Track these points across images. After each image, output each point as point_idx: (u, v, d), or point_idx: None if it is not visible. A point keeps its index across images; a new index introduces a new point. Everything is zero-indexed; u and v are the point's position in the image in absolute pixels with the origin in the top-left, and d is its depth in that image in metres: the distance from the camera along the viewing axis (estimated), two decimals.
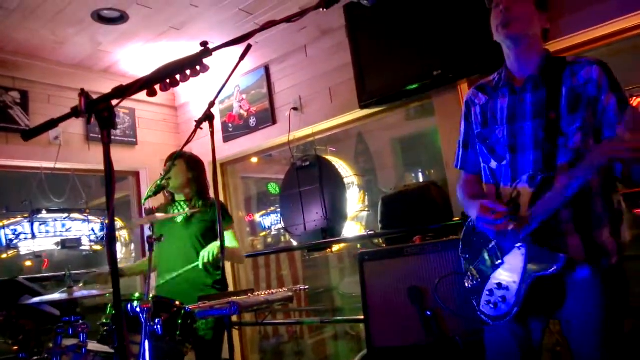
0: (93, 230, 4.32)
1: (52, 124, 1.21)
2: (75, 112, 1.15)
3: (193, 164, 2.94)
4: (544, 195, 1.52)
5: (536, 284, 1.55)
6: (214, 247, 2.62)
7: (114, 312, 2.21)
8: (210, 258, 2.56)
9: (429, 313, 2.41)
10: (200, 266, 2.59)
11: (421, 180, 5.45)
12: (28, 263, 4.82)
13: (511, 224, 1.60)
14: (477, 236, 1.79)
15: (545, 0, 1.70)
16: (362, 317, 2.77)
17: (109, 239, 1.09)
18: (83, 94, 1.13)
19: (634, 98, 2.82)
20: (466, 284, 1.82)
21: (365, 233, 3.25)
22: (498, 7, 1.66)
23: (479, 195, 1.79)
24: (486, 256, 1.74)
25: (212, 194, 2.97)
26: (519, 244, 1.60)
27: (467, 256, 1.85)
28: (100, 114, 1.13)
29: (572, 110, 1.56)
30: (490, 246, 1.72)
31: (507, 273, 1.63)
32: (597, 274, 1.54)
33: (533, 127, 1.61)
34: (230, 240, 2.83)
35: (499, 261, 1.67)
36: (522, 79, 1.68)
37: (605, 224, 1.56)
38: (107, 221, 1.09)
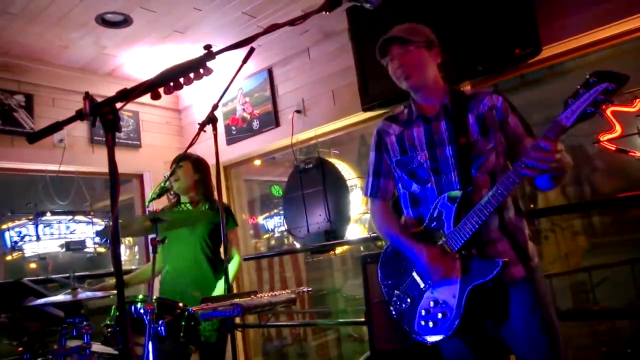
0: (97, 232, 4.33)
1: (57, 126, 1.22)
2: (80, 115, 1.16)
3: (199, 166, 2.95)
4: (465, 212, 1.66)
5: (475, 292, 1.62)
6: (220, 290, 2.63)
7: (117, 313, 2.22)
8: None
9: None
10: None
11: None
12: (32, 265, 4.84)
13: (443, 244, 1.70)
14: (401, 260, 1.85)
15: (431, 40, 1.84)
16: (365, 319, 2.77)
17: (114, 240, 1.10)
18: (87, 97, 1.14)
19: (638, 100, 2.81)
20: (392, 312, 1.84)
21: (368, 235, 3.25)
22: (393, 62, 1.82)
23: (407, 232, 1.84)
24: (416, 276, 1.79)
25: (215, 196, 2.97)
26: (454, 256, 1.68)
27: (390, 282, 1.89)
28: (104, 116, 1.14)
29: (484, 133, 1.74)
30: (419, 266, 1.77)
31: (442, 288, 1.69)
32: (530, 272, 1.70)
33: (452, 151, 1.75)
34: (232, 265, 2.81)
35: (429, 281, 1.74)
36: (434, 109, 1.82)
37: (521, 229, 1.74)
38: (111, 223, 1.10)
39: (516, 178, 1.55)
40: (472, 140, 1.73)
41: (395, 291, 1.84)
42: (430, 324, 1.69)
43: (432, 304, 1.71)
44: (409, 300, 1.78)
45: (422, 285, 1.76)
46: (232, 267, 2.78)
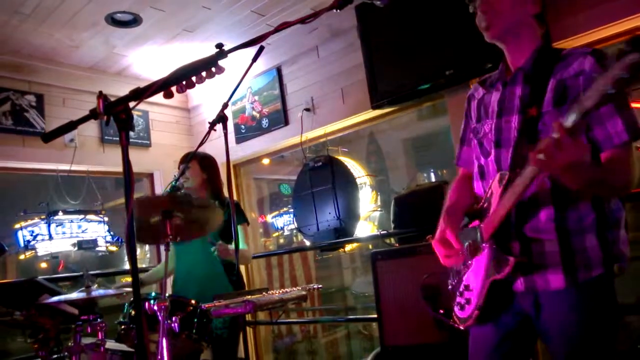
0: (109, 231, 4.37)
1: (72, 126, 1.23)
2: (93, 114, 1.17)
3: (207, 164, 2.96)
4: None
5: (498, 286, 1.46)
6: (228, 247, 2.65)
7: (131, 311, 2.24)
8: (220, 256, 2.60)
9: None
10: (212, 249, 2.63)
11: (433, 180, 5.44)
12: (44, 264, 4.90)
13: (478, 229, 1.56)
14: (461, 234, 1.68)
15: None
16: (375, 316, 2.78)
17: (129, 237, 1.11)
18: (101, 96, 1.15)
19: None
20: (449, 286, 1.73)
21: (378, 233, 3.26)
22: (477, 4, 1.56)
23: (456, 210, 1.69)
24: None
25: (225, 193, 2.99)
26: (484, 244, 1.53)
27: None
28: (118, 115, 1.16)
29: (558, 104, 1.42)
30: (466, 245, 1.62)
31: (474, 275, 1.56)
32: (573, 286, 1.38)
33: (518, 121, 1.50)
34: (239, 242, 2.85)
35: (470, 261, 1.60)
36: (515, 71, 1.58)
37: (590, 229, 1.40)
38: (126, 221, 1.11)
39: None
40: (543, 111, 1.43)
41: (452, 268, 1.73)
42: (459, 307, 1.60)
43: (464, 287, 1.60)
44: (457, 279, 1.67)
45: (463, 264, 1.65)
46: (242, 250, 2.83)
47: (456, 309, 1.62)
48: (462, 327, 1.61)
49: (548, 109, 1.43)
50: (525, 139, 1.45)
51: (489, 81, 1.71)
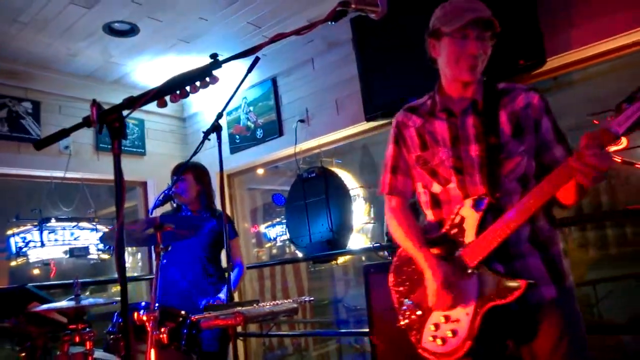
0: (101, 239, 4.35)
1: (64, 133, 1.23)
2: (86, 122, 1.17)
3: (200, 176, 2.96)
4: (491, 221, 1.48)
5: (493, 313, 1.45)
6: (221, 296, 2.63)
7: (120, 320, 2.23)
8: None
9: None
10: (201, 307, 2.54)
11: None
12: (36, 271, 4.85)
13: (460, 257, 1.53)
14: (416, 266, 1.65)
15: (496, 27, 1.59)
16: (367, 329, 2.76)
17: (118, 248, 1.10)
18: (95, 104, 1.16)
19: None
20: (401, 321, 1.66)
21: (371, 245, 3.25)
22: (467, 40, 1.55)
23: (422, 237, 1.66)
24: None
25: (217, 204, 2.98)
26: (470, 271, 1.50)
27: (401, 289, 1.70)
28: (111, 124, 1.16)
29: (517, 134, 1.55)
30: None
31: (457, 303, 1.51)
32: (563, 293, 1.51)
33: (479, 150, 1.56)
34: (234, 274, 2.83)
35: (454, 307, 1.53)
36: (463, 103, 1.62)
37: (555, 242, 1.56)
38: (116, 230, 1.11)
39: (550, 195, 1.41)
40: (502, 141, 1.54)
41: (406, 300, 1.67)
42: (438, 341, 1.52)
43: (442, 319, 1.54)
44: (419, 311, 1.61)
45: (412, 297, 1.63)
46: (234, 276, 2.79)
47: (431, 344, 1.55)
48: None
49: (507, 139, 1.55)
50: (493, 166, 1.53)
51: (422, 109, 1.74)
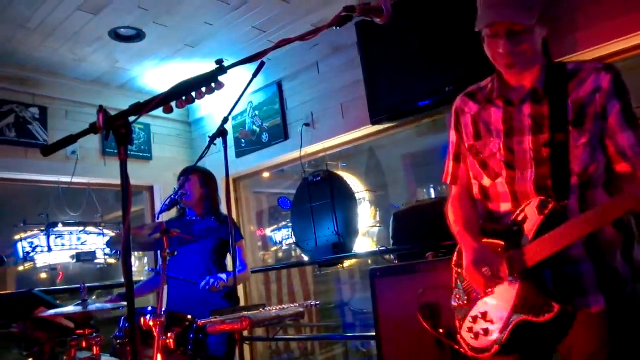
0: (108, 243, 4.37)
1: (71, 139, 1.23)
2: (93, 129, 1.17)
3: (206, 179, 2.97)
4: (552, 228, 1.35)
5: (525, 324, 1.38)
6: (222, 276, 2.61)
7: (127, 325, 2.23)
8: (213, 288, 2.53)
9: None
10: (200, 288, 2.54)
11: (433, 196, 5.43)
12: (43, 276, 4.88)
13: (511, 258, 1.44)
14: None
15: (546, 10, 1.46)
16: (374, 333, 2.75)
17: (125, 252, 1.11)
18: (101, 110, 1.16)
19: None
20: (453, 302, 1.62)
21: (377, 249, 3.24)
22: (496, 41, 1.45)
23: (473, 223, 1.61)
24: None
25: (223, 208, 2.99)
26: (512, 278, 1.43)
27: (460, 270, 1.63)
28: (117, 130, 1.16)
29: (578, 124, 1.40)
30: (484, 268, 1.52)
31: (496, 303, 1.46)
32: (612, 306, 1.37)
33: (535, 144, 1.44)
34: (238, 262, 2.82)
35: (489, 289, 1.49)
36: (522, 90, 1.50)
37: (617, 247, 1.40)
38: (123, 235, 1.11)
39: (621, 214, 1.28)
40: (565, 133, 1.41)
41: (459, 283, 1.62)
42: (473, 335, 1.49)
43: (480, 314, 1.49)
44: (466, 298, 1.56)
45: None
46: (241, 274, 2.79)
47: (467, 334, 1.52)
48: (470, 354, 1.52)
49: (569, 130, 1.40)
50: (560, 164, 1.40)
51: (480, 95, 1.63)
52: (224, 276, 2.59)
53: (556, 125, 1.42)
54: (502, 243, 1.49)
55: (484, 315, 1.48)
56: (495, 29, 1.44)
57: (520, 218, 1.45)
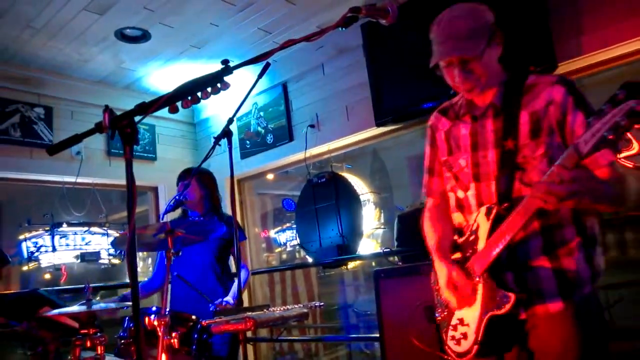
0: (112, 243, 4.38)
1: (76, 139, 1.23)
2: (99, 128, 1.17)
3: (205, 180, 2.96)
4: (495, 230, 1.46)
5: (496, 321, 1.47)
6: (229, 300, 2.61)
7: (131, 325, 2.23)
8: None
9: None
10: (210, 309, 2.54)
11: None
12: (47, 276, 4.89)
13: (471, 265, 1.54)
14: None
15: (492, 30, 1.53)
16: (378, 335, 2.75)
17: (130, 252, 1.11)
18: (107, 110, 1.16)
19: None
20: (437, 317, 1.71)
21: (381, 250, 3.24)
22: (451, 68, 1.54)
23: (445, 240, 1.69)
24: None
25: (227, 209, 2.99)
26: (477, 279, 1.52)
27: (437, 287, 1.72)
28: (123, 130, 1.16)
29: (534, 136, 1.47)
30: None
31: (470, 308, 1.55)
32: (570, 307, 1.45)
33: (496, 156, 1.54)
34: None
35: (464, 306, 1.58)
36: (483, 106, 1.61)
37: (577, 251, 1.47)
38: (128, 235, 1.11)
39: (537, 205, 1.33)
40: (520, 144, 1.48)
41: (439, 297, 1.71)
42: (454, 342, 1.59)
43: (458, 320, 1.60)
44: (446, 310, 1.66)
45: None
46: (243, 278, 2.79)
47: (451, 342, 1.61)
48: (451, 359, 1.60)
49: (525, 141, 1.49)
50: (507, 173, 1.50)
51: (451, 112, 1.74)
52: (230, 299, 2.60)
53: (507, 138, 1.51)
54: (460, 254, 1.60)
55: (461, 320, 1.59)
56: (448, 60, 1.54)
57: (474, 227, 1.56)
